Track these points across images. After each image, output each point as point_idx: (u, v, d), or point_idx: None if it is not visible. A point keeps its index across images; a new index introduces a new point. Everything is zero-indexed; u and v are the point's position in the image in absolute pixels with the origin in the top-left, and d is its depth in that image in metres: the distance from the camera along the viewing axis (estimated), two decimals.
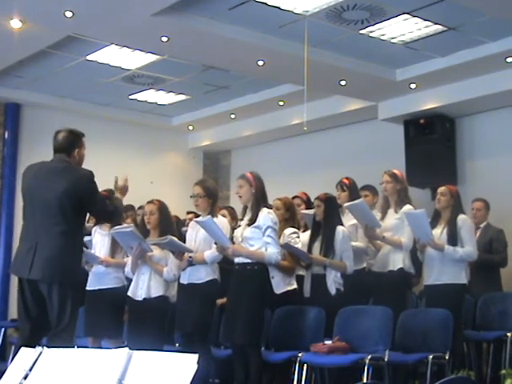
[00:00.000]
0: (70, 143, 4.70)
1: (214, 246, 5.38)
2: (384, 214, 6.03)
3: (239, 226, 5.38)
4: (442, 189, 5.87)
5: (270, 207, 5.41)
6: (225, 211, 6.76)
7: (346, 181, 6.28)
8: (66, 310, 4.46)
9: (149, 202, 5.77)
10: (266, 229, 5.15)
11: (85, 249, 5.90)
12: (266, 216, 5.18)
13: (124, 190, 5.06)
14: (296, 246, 5.83)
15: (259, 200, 5.26)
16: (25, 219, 4.72)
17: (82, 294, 5.93)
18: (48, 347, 2.54)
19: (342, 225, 5.81)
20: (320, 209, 5.84)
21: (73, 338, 4.74)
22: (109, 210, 4.82)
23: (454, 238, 5.66)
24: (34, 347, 2.56)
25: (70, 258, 4.53)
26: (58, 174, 4.58)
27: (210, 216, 5.33)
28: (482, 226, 6.92)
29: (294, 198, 6.64)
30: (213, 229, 5.26)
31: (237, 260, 5.28)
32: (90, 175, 4.62)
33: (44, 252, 4.43)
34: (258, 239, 5.17)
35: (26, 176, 4.75)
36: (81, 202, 4.57)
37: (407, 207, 5.86)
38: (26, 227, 4.66)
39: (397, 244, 5.84)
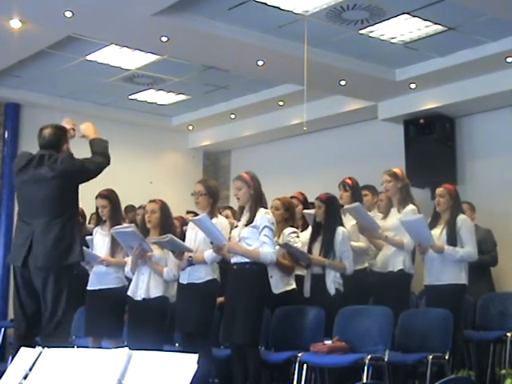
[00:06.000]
0: (59, 139, 4.69)
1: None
2: (387, 213, 6.03)
3: (236, 226, 5.38)
4: (439, 190, 5.82)
5: (266, 207, 5.40)
6: (228, 212, 6.75)
7: (348, 181, 6.28)
8: (60, 303, 4.44)
9: (151, 201, 5.77)
10: (263, 228, 5.14)
11: (85, 248, 5.91)
12: (264, 216, 5.18)
13: (75, 130, 4.89)
14: (295, 245, 5.83)
15: (257, 200, 5.26)
16: (20, 213, 4.74)
17: (81, 294, 5.94)
18: (47, 347, 2.53)
19: (342, 225, 5.80)
20: (320, 210, 5.83)
21: (68, 337, 4.70)
22: (100, 161, 4.75)
23: (453, 239, 5.65)
24: (33, 347, 2.56)
25: (67, 246, 4.52)
26: (45, 166, 4.57)
27: (205, 214, 5.33)
28: None
29: (290, 198, 6.63)
30: (208, 227, 5.26)
31: (234, 260, 5.27)
32: (69, 154, 4.64)
33: (41, 241, 4.45)
34: (255, 239, 5.17)
35: (16, 169, 4.76)
36: (76, 179, 4.59)
37: (410, 207, 5.85)
38: (22, 220, 4.67)
39: (399, 244, 5.84)
